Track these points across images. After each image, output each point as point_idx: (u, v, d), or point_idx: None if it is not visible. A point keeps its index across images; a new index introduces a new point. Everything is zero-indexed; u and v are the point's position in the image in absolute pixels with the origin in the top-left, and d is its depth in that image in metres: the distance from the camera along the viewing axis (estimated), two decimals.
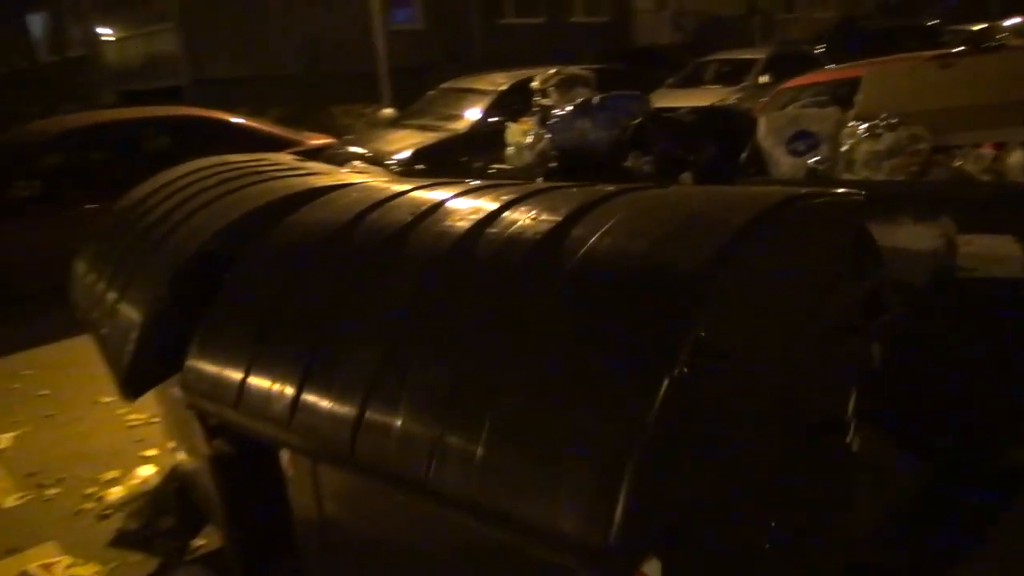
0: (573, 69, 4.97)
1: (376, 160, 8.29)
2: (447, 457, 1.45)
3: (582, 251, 1.55)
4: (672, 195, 1.81)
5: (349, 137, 9.90)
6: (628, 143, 4.10)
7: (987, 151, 3.17)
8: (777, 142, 3.68)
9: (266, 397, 1.88)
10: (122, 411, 4.38)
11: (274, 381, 1.87)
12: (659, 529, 1.30)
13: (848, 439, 2.02)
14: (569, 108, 4.39)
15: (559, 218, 1.70)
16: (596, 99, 4.41)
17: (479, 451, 1.42)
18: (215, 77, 18.06)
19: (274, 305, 2.00)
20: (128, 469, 3.85)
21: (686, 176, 3.91)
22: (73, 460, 3.98)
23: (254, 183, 2.89)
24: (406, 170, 7.54)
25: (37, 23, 24.75)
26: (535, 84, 10.05)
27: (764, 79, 12.58)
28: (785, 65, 12.15)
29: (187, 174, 3.30)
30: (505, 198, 1.94)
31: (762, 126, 3.76)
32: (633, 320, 1.38)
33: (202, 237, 2.46)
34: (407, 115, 10.79)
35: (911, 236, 3.34)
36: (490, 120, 9.37)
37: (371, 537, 1.96)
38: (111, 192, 3.87)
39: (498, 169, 4.83)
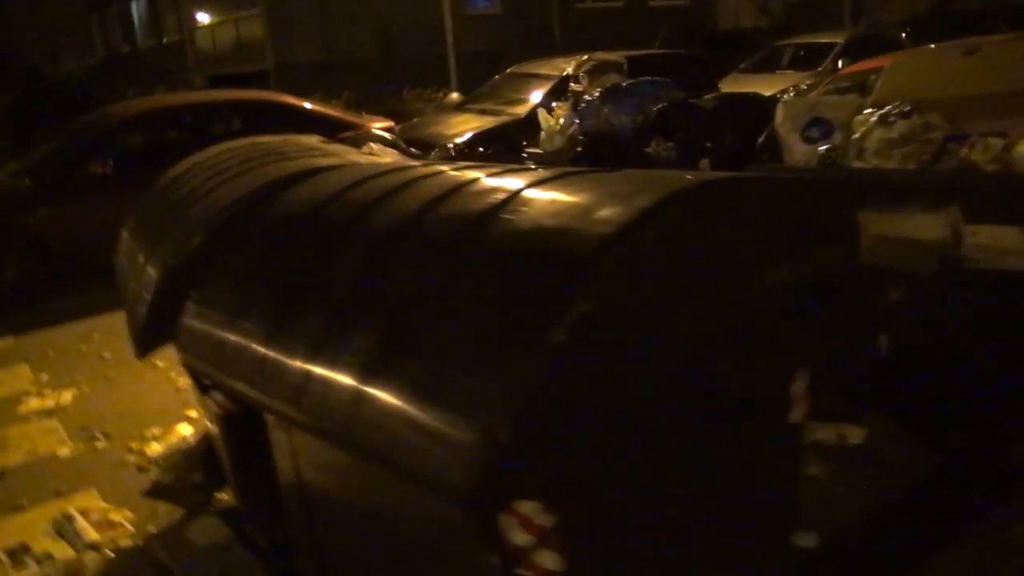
0: (605, 55, 5.01)
1: (434, 144, 8.52)
2: (363, 411, 1.60)
3: (501, 229, 1.67)
4: (608, 178, 1.90)
5: (413, 121, 10.15)
6: (650, 129, 4.15)
7: (996, 140, 3.10)
8: (792, 129, 3.68)
9: (240, 356, 2.08)
10: (174, 375, 4.71)
11: (246, 341, 2.07)
12: (533, 478, 1.42)
13: (791, 418, 2.08)
14: (596, 93, 4.46)
15: (496, 199, 1.82)
16: (623, 84, 4.46)
17: (391, 406, 1.56)
18: (298, 62, 18.67)
19: (253, 273, 2.19)
20: (170, 427, 4.16)
21: (704, 163, 3.94)
22: (124, 417, 4.33)
23: (270, 163, 3.11)
24: (459, 154, 7.73)
25: (138, 9, 25.99)
26: (569, 70, 10.13)
27: (841, 64, 12.20)
28: (865, 49, 11.73)
29: (219, 154, 3.55)
30: (464, 178, 2.07)
31: (779, 113, 3.75)
32: (526, 291, 1.50)
33: (210, 213, 2.68)
34: (471, 99, 10.97)
35: (918, 226, 3.30)
36: (553, 105, 9.48)
37: (340, 501, 2.11)
38: None
39: (530, 153, 4.95)
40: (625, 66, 4.95)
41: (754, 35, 20.75)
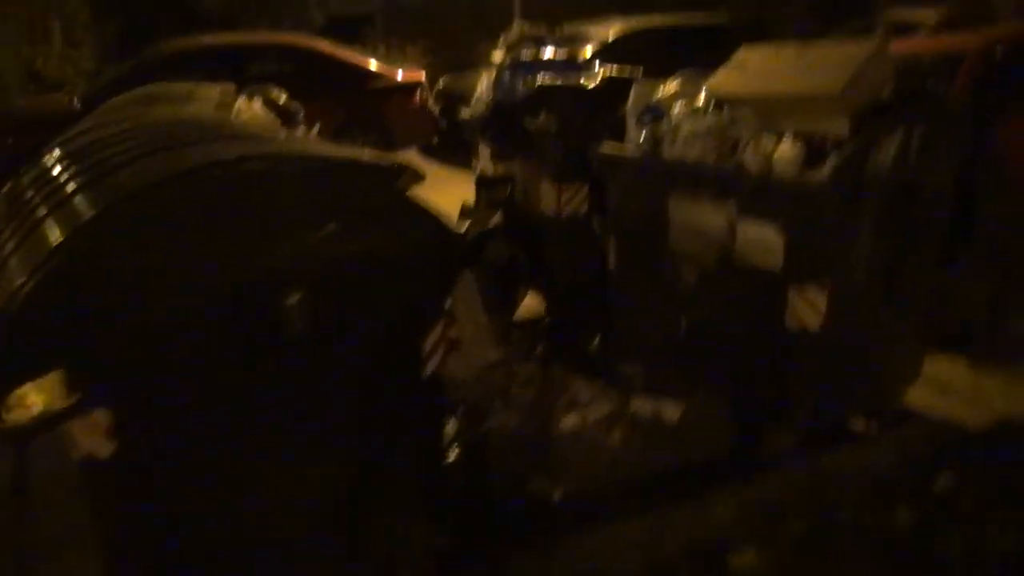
0: (532, 26, 5.16)
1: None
2: None
3: None
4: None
5: (453, 74, 10.47)
6: (533, 104, 4.35)
7: (767, 142, 3.15)
8: (633, 112, 3.81)
9: None
10: None
11: None
12: None
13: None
14: (508, 67, 4.68)
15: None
16: (527, 60, 4.65)
17: None
18: (403, 5, 19.20)
19: None
20: None
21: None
22: None
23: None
24: None
25: None
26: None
27: None
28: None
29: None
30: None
31: (631, 94, 3.89)
32: None
33: None
34: None
35: (706, 218, 3.42)
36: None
37: None
38: None
39: (460, 119, 5.24)
40: (547, 38, 5.08)
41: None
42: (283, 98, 4.06)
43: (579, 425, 3.84)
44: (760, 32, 10.83)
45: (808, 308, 3.10)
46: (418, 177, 2.32)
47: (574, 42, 10.41)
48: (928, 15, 8.56)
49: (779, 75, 3.37)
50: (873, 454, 3.43)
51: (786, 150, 3.03)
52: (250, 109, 3.80)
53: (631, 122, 3.80)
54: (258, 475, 2.21)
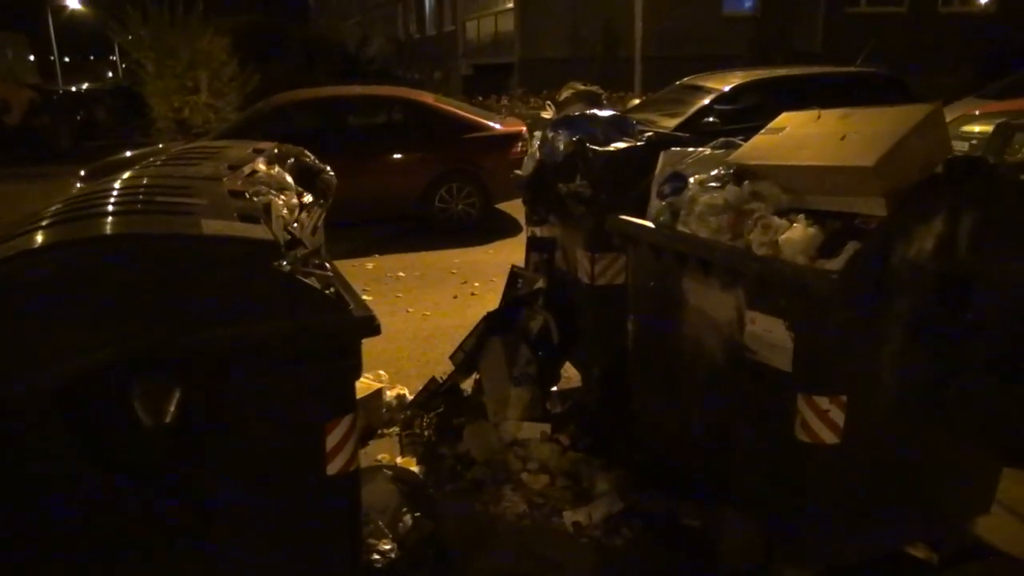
0: (584, 85, 4.84)
1: None
2: None
3: None
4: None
5: None
6: (561, 167, 4.06)
7: (779, 222, 2.67)
8: (658, 180, 3.42)
9: None
10: None
11: None
12: None
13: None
14: (551, 125, 4.41)
15: None
16: (567, 117, 4.35)
17: None
18: (538, 56, 19.48)
19: None
20: None
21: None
22: None
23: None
24: None
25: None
26: (726, 88, 9.49)
27: None
28: None
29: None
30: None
31: (660, 159, 3.51)
32: None
33: None
34: (640, 107, 10.83)
35: (715, 303, 2.98)
36: (705, 121, 9.10)
37: None
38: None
39: (515, 174, 5.00)
40: (603, 97, 4.76)
41: None
42: (308, 159, 3.98)
43: (583, 522, 3.46)
44: (897, 85, 9.98)
45: (820, 420, 2.59)
46: (310, 255, 2.09)
47: (691, 94, 10.10)
48: None
49: (811, 143, 2.91)
50: None
51: (797, 232, 2.57)
52: (265, 170, 3.75)
53: (653, 191, 3.43)
54: None
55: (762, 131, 3.23)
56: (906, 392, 2.68)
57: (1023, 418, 2.85)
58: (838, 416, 2.59)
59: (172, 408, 1.97)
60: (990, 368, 2.77)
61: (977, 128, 6.01)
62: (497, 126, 8.84)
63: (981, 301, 2.68)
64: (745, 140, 3.28)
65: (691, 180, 3.19)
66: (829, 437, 2.61)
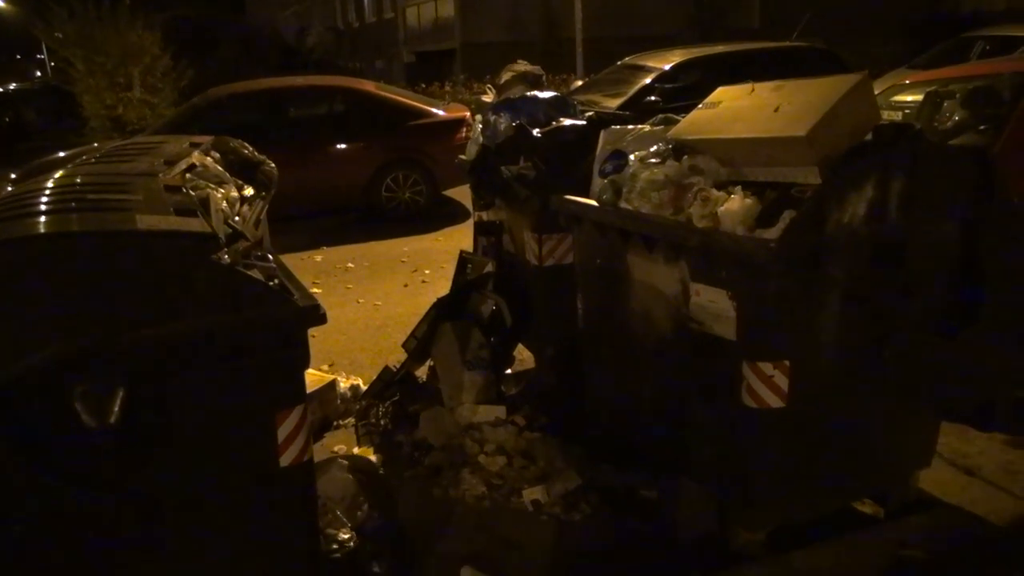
0: (524, 65, 4.85)
1: None
2: None
3: None
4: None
5: None
6: (504, 149, 4.06)
7: (718, 194, 2.73)
8: (599, 158, 3.46)
9: None
10: None
11: None
12: None
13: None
14: (492, 109, 4.41)
15: None
16: (507, 99, 4.36)
17: None
18: (480, 41, 19.37)
19: None
20: None
21: None
22: None
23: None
24: None
25: None
26: (666, 67, 9.60)
27: None
28: None
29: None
30: None
31: (600, 138, 3.53)
32: None
33: None
34: (583, 88, 10.86)
35: (660, 277, 3.03)
36: (646, 100, 9.17)
37: None
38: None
39: (459, 160, 5.00)
40: (544, 78, 4.76)
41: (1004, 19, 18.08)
42: (246, 151, 3.91)
43: (542, 499, 3.49)
44: (831, 59, 10.18)
45: (766, 386, 2.66)
46: (252, 247, 2.07)
47: (632, 73, 10.16)
48: None
49: (746, 116, 2.96)
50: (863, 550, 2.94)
51: (735, 204, 2.62)
52: (202, 163, 3.68)
53: (595, 168, 3.45)
54: None
55: (699, 106, 3.28)
56: (846, 354, 2.76)
57: (959, 373, 2.95)
58: (782, 381, 2.66)
59: (116, 408, 1.93)
60: (925, 327, 2.86)
61: (908, 97, 6.14)
62: (441, 112, 8.80)
63: (914, 263, 2.77)
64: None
65: (632, 157, 3.23)
66: (775, 401, 2.68)
